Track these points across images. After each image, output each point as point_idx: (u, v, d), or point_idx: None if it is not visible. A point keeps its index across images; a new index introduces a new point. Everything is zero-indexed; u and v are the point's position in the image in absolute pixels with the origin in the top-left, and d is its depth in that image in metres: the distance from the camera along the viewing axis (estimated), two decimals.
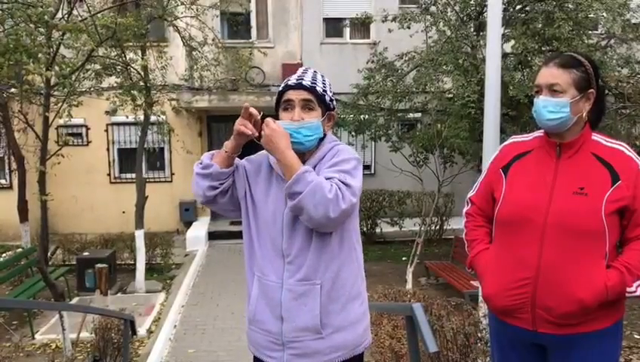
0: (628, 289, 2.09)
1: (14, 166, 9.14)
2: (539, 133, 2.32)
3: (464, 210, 2.56)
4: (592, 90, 2.18)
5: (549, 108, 2.14)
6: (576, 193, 2.12)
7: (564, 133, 2.19)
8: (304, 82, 2.13)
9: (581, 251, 2.10)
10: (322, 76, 2.22)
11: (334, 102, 2.25)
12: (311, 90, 2.12)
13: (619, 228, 2.14)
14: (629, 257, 2.12)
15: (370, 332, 2.27)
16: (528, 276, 2.16)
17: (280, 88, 2.20)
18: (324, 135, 2.21)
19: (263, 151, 2.24)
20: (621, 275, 2.08)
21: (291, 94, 2.13)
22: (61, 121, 8.06)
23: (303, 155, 2.12)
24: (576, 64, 2.17)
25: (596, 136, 2.22)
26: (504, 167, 2.33)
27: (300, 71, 2.21)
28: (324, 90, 2.16)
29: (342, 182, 1.98)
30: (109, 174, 13.19)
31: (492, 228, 2.40)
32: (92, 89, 8.24)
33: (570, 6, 7.96)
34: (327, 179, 1.99)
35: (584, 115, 2.18)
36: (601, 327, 2.14)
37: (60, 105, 6.41)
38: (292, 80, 2.15)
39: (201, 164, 2.19)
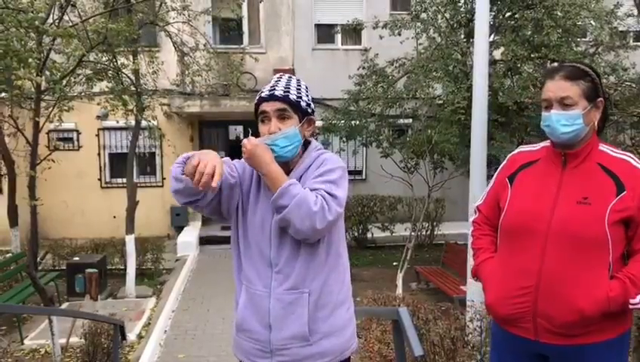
0: (631, 301, 2.06)
1: (4, 170, 9.10)
2: (546, 143, 2.32)
3: (471, 219, 2.55)
4: (600, 98, 2.18)
5: (563, 122, 2.12)
6: (579, 202, 2.10)
7: (574, 143, 2.18)
8: (276, 92, 2.11)
9: (583, 260, 2.08)
10: (298, 81, 2.20)
11: (312, 106, 2.22)
12: (284, 99, 2.11)
13: (624, 239, 2.12)
14: (633, 268, 2.09)
15: (356, 336, 2.29)
16: (529, 284, 2.15)
17: (255, 101, 2.18)
18: (308, 141, 2.22)
19: None
20: (624, 286, 2.05)
21: (265, 106, 2.12)
22: (52, 126, 8.06)
23: (288, 165, 2.13)
24: (583, 74, 2.16)
25: (603, 147, 2.21)
26: (510, 176, 2.33)
27: (273, 80, 2.19)
28: (299, 97, 2.14)
29: (328, 193, 1.99)
30: (99, 179, 13.16)
31: (497, 236, 2.39)
32: (83, 94, 8.23)
33: (558, 14, 8.05)
34: (312, 190, 2.00)
35: (595, 124, 2.18)
36: (604, 339, 2.11)
37: (50, 109, 6.40)
38: (264, 92, 2.15)
39: (174, 171, 2.03)
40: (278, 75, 2.23)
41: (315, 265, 2.09)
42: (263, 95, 2.14)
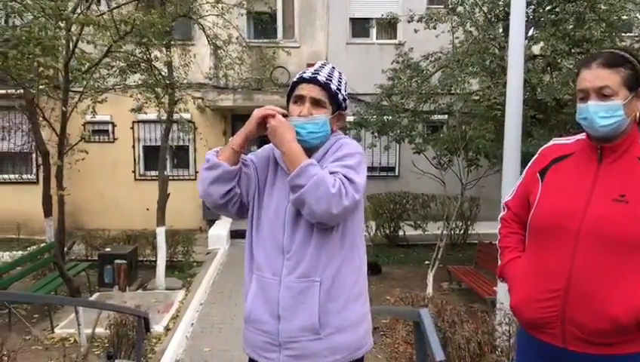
0: None
1: (40, 161, 9.25)
2: (581, 135, 2.14)
3: (499, 216, 2.39)
4: None
5: (601, 114, 1.94)
6: (615, 200, 1.93)
7: (613, 136, 1.99)
8: (319, 77, 2.08)
9: (617, 263, 1.90)
10: (340, 74, 2.17)
11: (347, 102, 2.18)
12: (324, 86, 2.07)
13: None
14: None
15: (371, 336, 2.18)
16: (557, 288, 1.98)
17: (294, 79, 2.15)
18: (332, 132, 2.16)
19: (268, 146, 2.21)
20: None
21: (304, 88, 2.09)
22: (88, 118, 8.15)
23: (308, 152, 2.06)
24: (622, 61, 1.97)
25: None
26: (541, 171, 2.16)
27: (317, 64, 2.17)
28: (338, 89, 2.11)
29: (345, 178, 1.93)
30: (134, 171, 13.33)
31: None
32: (117, 86, 8.29)
33: (602, 7, 7.74)
34: (330, 173, 1.94)
35: (637, 115, 1.99)
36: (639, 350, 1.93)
37: (77, 99, 6.43)
38: (307, 73, 2.11)
39: (207, 163, 2.10)
40: (321, 62, 2.20)
41: (328, 253, 2.01)
42: (304, 76, 2.10)
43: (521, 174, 2.37)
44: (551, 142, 2.26)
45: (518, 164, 5.09)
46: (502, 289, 4.75)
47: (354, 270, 2.09)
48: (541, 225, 2.09)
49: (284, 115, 2.07)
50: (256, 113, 2.07)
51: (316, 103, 2.08)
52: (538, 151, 2.27)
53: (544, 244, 2.06)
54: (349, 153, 2.03)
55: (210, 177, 2.08)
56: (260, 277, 2.09)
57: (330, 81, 2.09)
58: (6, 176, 12.94)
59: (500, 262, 2.32)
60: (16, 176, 12.93)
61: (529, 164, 2.28)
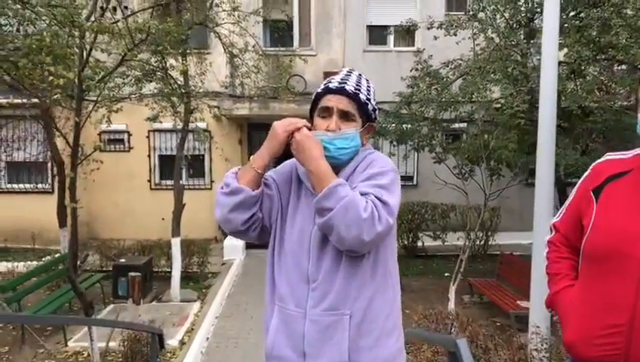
0: None
1: (55, 171, 9.17)
2: None
3: (546, 238, 2.17)
4: None
5: None
6: None
7: None
8: (347, 87, 1.89)
9: None
10: (367, 81, 1.97)
11: (377, 112, 1.99)
12: (353, 97, 1.88)
13: None
14: None
15: None
16: (621, 323, 1.77)
17: (319, 90, 1.95)
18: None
19: (288, 162, 2.00)
20: None
21: (331, 100, 1.89)
22: (103, 127, 8.07)
23: (335, 169, 1.87)
24: None
25: None
26: (595, 189, 1.94)
27: (343, 72, 1.97)
28: (368, 99, 1.92)
29: (378, 200, 1.72)
30: (149, 180, 13.23)
31: (579, 260, 2.01)
32: (133, 95, 8.20)
33: (629, 12, 7.49)
34: (361, 194, 1.73)
35: None
36: None
37: (90, 109, 6.33)
38: (334, 82, 1.92)
39: (227, 187, 1.88)
40: (347, 69, 2.00)
41: (358, 283, 1.80)
42: (331, 85, 1.90)
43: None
44: (604, 158, 2.03)
45: (551, 175, 4.86)
46: (537, 311, 4.47)
47: (387, 301, 1.88)
48: (598, 252, 1.86)
49: (308, 128, 1.89)
50: (281, 130, 1.86)
51: (345, 116, 1.89)
52: (590, 168, 2.05)
53: (602, 273, 1.84)
54: (381, 171, 1.83)
55: (230, 204, 1.87)
56: (282, 308, 1.89)
57: (359, 90, 1.90)
58: (22, 185, 12.91)
59: (549, 290, 2.09)
60: (32, 185, 12.89)
61: (580, 182, 2.05)
